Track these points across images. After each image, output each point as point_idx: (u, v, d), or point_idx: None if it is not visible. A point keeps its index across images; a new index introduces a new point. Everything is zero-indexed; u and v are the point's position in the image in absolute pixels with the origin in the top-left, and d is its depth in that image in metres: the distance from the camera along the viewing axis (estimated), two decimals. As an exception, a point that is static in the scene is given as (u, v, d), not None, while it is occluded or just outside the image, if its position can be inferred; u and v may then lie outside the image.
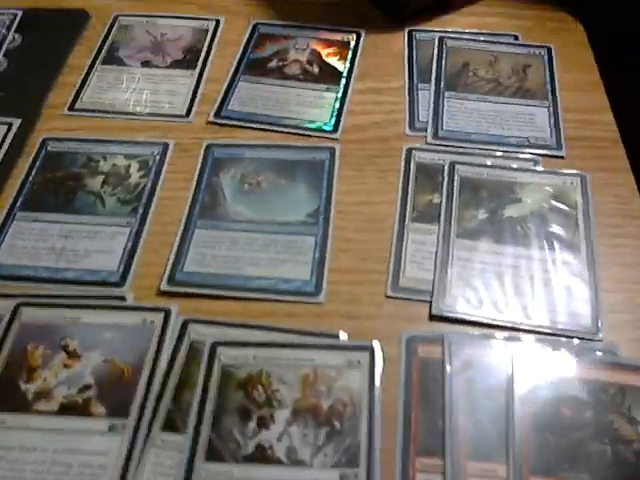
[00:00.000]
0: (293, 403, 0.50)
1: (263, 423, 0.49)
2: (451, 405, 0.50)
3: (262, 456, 0.47)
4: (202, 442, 0.48)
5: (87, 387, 0.51)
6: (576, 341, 0.54)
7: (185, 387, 0.51)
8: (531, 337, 0.54)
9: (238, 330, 0.54)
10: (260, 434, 0.48)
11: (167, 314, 0.54)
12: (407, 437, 0.49)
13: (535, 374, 0.51)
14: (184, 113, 0.71)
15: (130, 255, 0.59)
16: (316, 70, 0.76)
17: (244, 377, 0.51)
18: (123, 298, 0.56)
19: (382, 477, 0.47)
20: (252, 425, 0.49)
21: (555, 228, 0.61)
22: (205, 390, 0.51)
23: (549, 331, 0.54)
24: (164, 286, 0.56)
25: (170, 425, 0.49)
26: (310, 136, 0.69)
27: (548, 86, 0.74)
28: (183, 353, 0.53)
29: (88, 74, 0.76)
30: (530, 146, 0.68)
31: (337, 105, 0.72)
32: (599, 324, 0.54)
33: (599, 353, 0.53)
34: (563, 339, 0.54)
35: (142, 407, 0.50)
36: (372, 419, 0.49)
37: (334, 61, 0.77)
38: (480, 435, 0.48)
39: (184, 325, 0.54)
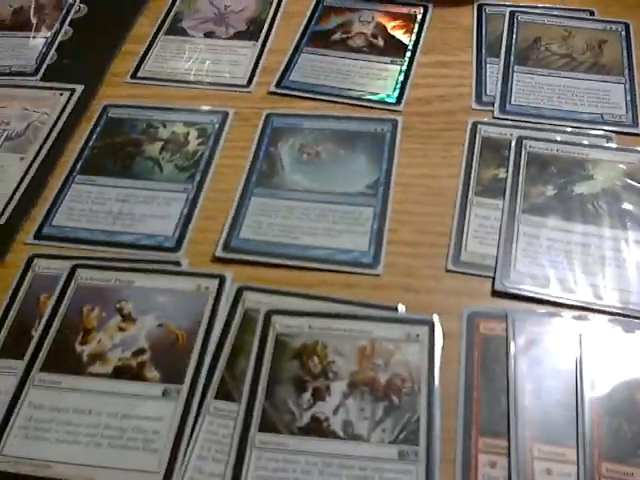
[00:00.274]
0: (350, 375, 0.48)
1: (319, 395, 0.47)
2: (515, 385, 0.47)
3: (318, 428, 0.46)
4: (256, 412, 0.47)
5: (141, 351, 0.50)
6: (651, 323, 0.50)
7: (239, 355, 0.50)
8: (602, 317, 0.51)
9: (293, 299, 0.53)
10: (315, 406, 0.47)
11: (222, 280, 0.53)
12: (469, 416, 0.46)
13: (606, 356, 0.48)
14: (245, 83, 0.70)
15: (186, 221, 0.58)
16: (381, 43, 0.74)
17: (299, 347, 0.50)
18: (178, 263, 0.55)
19: (442, 456, 0.45)
20: (307, 396, 0.47)
21: (629, 206, 0.58)
22: (259, 359, 0.49)
23: (621, 312, 0.51)
24: (219, 252, 0.55)
25: (224, 393, 0.48)
26: (372, 108, 0.67)
27: (625, 62, 0.70)
28: (237, 321, 0.51)
29: (151, 44, 0.76)
30: (604, 123, 0.65)
31: (401, 77, 0.70)
32: (676, 304, 0.51)
33: (677, 335, 0.49)
34: (636, 320, 0.50)
35: (196, 374, 0.49)
36: (432, 396, 0.47)
37: (399, 34, 0.75)
38: (547, 417, 0.46)
39: (239, 292, 0.53)
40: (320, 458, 0.44)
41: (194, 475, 0.44)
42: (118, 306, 0.52)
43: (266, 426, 0.46)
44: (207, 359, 0.49)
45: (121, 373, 0.49)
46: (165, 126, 0.66)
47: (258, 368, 0.49)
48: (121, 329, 0.51)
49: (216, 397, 0.48)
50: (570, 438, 0.45)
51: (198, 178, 0.61)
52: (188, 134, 0.65)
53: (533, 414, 0.46)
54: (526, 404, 0.46)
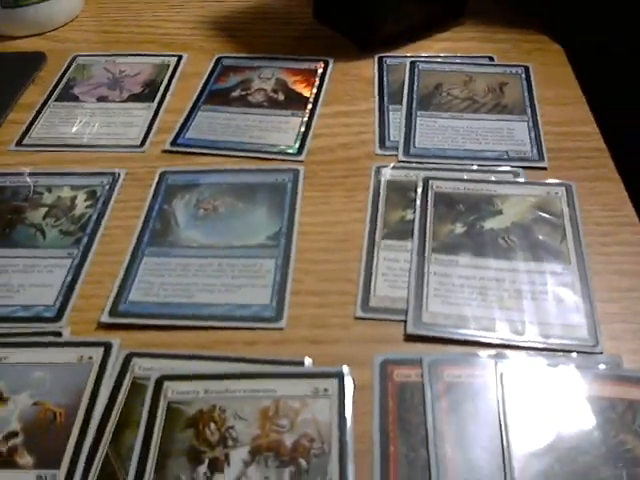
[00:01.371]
0: (251, 441, 0.43)
1: (216, 466, 0.42)
2: (435, 434, 0.43)
3: (215, 504, 0.40)
4: (144, 493, 0.40)
5: (13, 434, 0.44)
6: (574, 355, 0.47)
7: (126, 430, 0.44)
8: (523, 354, 0.47)
9: (188, 362, 0.47)
10: (213, 479, 0.41)
11: (107, 348, 0.48)
12: (386, 473, 0.41)
13: (530, 393, 0.44)
14: (138, 143, 0.67)
15: (69, 288, 0.52)
16: (281, 97, 0.72)
17: (194, 414, 0.44)
18: (59, 334, 0.49)
19: (356, 522, 0.39)
20: (203, 469, 0.42)
21: (541, 239, 0.55)
22: (148, 431, 0.43)
23: (543, 346, 0.48)
24: (105, 318, 0.50)
25: (107, 475, 0.42)
26: (273, 159, 0.64)
27: (527, 102, 0.70)
28: (125, 391, 0.46)
29: (40, 111, 0.72)
30: (509, 159, 0.63)
31: (302, 129, 0.67)
32: (598, 335, 0.48)
33: (602, 366, 0.46)
34: (559, 354, 0.47)
35: (75, 455, 0.43)
36: (344, 454, 0.42)
37: (300, 88, 0.73)
38: (472, 465, 0.41)
39: (127, 359, 0.47)
40: (217, 539, 0.38)
41: None
42: (-13, 386, 0.46)
43: (156, 508, 0.40)
44: (89, 438, 0.43)
45: (-11, 461, 0.42)
46: (50, 191, 0.61)
47: (147, 442, 0.43)
48: (-10, 411, 0.45)
49: None
50: (499, 487, 0.40)
51: (85, 241, 0.56)
52: (75, 198, 0.61)
53: (456, 464, 0.41)
54: (448, 454, 0.42)
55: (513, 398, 0.44)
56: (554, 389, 0.45)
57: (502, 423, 0.43)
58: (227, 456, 0.42)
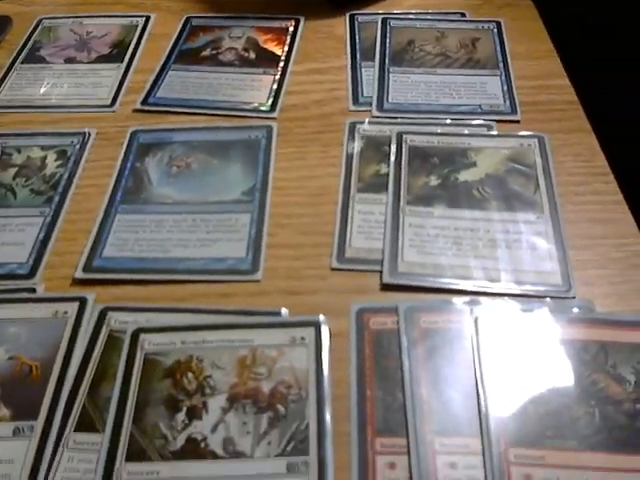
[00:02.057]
0: (229, 389, 0.43)
1: (194, 413, 0.42)
2: (411, 378, 0.43)
3: (194, 450, 0.40)
4: (123, 440, 0.41)
5: (-12, 388, 0.43)
6: (548, 300, 0.47)
7: (103, 382, 0.44)
8: (497, 300, 0.47)
9: (164, 315, 0.47)
10: (191, 426, 0.41)
11: (82, 303, 0.48)
12: (363, 417, 0.42)
13: (505, 337, 0.45)
14: (108, 103, 0.66)
15: (42, 245, 0.52)
16: (253, 56, 0.71)
17: (171, 364, 0.44)
18: (33, 290, 0.49)
19: (337, 463, 0.39)
20: (181, 416, 0.42)
21: (514, 189, 0.55)
22: (126, 382, 0.43)
23: (517, 292, 0.48)
24: (79, 274, 0.50)
25: (85, 425, 0.42)
26: (245, 117, 0.64)
27: (499, 56, 0.69)
28: (101, 344, 0.46)
29: (7, 74, 0.70)
30: (483, 113, 0.63)
31: (275, 86, 0.67)
32: (570, 281, 0.48)
33: (575, 310, 0.46)
34: (533, 300, 0.47)
35: (52, 406, 0.43)
36: (321, 400, 0.42)
37: (272, 47, 0.73)
38: (447, 408, 0.42)
39: (102, 314, 0.47)
40: (198, 483, 0.38)
41: (51, 520, 0.38)
42: (-39, 343, 0.45)
43: (135, 455, 0.40)
44: (65, 390, 0.43)
45: (-36, 415, 0.42)
46: (20, 152, 0.61)
47: (125, 392, 0.43)
48: (-35, 367, 0.44)
49: (76, 430, 0.41)
50: (473, 428, 0.41)
51: (57, 200, 0.56)
52: (45, 157, 0.60)
53: (432, 407, 0.42)
54: (423, 397, 0.42)
55: (488, 342, 0.45)
56: (528, 333, 0.45)
57: (477, 366, 0.44)
58: (205, 404, 0.42)
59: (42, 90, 0.68)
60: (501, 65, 0.68)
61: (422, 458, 0.39)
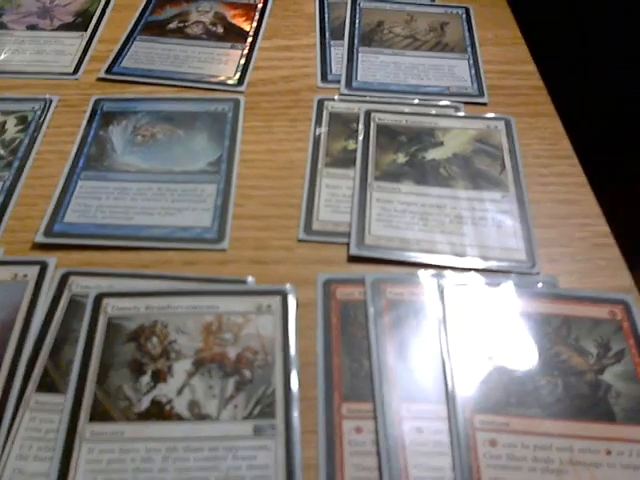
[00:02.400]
0: (195, 353, 0.42)
1: (159, 376, 0.41)
2: (378, 346, 0.43)
3: (159, 412, 0.39)
4: (86, 401, 0.40)
5: (-57, 350, 0.42)
6: (513, 276, 0.48)
7: (65, 344, 0.43)
8: (463, 275, 0.48)
9: (128, 281, 0.46)
10: (156, 389, 0.41)
11: (43, 267, 0.46)
12: (330, 383, 0.41)
13: (470, 310, 0.45)
14: (71, 71, 0.64)
15: (1, 210, 0.51)
16: (220, 30, 0.71)
17: (135, 329, 0.43)
18: (-9, 253, 0.47)
19: (304, 427, 0.39)
20: (146, 379, 0.41)
21: (481, 169, 0.56)
22: (89, 345, 0.42)
23: (482, 267, 0.48)
24: (39, 238, 0.48)
25: (47, 386, 0.41)
26: (212, 89, 0.63)
27: (467, 41, 0.70)
28: (63, 308, 0.44)
29: (-35, 40, 0.68)
30: (450, 94, 0.64)
31: (243, 61, 0.66)
32: (535, 258, 0.49)
33: (539, 285, 0.47)
34: (498, 275, 0.48)
35: (12, 368, 0.41)
36: (288, 366, 0.42)
37: (240, 22, 0.72)
38: (413, 375, 0.42)
39: (64, 278, 0.46)
40: (163, 443, 0.38)
41: (14, 477, 0.37)
42: None
43: (98, 415, 0.39)
44: (26, 352, 0.42)
45: None
46: (-22, 116, 0.58)
47: (87, 354, 0.42)
48: None
49: (38, 390, 0.40)
50: (439, 395, 0.41)
51: (16, 165, 0.54)
52: (5, 122, 0.58)
53: (398, 374, 0.42)
54: (390, 364, 0.42)
55: (453, 313, 0.45)
56: (493, 306, 0.46)
57: (443, 336, 0.44)
58: (170, 368, 0.42)
59: (2, 56, 0.66)
60: (469, 49, 0.69)
61: (388, 423, 0.39)
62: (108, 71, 0.64)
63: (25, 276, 0.46)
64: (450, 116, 0.61)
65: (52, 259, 0.47)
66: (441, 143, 0.58)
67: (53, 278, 0.46)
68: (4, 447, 0.38)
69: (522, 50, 0.68)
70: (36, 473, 0.37)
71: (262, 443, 0.38)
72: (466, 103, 0.63)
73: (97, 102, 0.61)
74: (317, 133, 0.58)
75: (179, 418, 0.39)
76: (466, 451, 0.38)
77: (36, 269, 0.46)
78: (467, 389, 0.41)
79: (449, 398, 0.40)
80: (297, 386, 0.41)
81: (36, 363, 0.41)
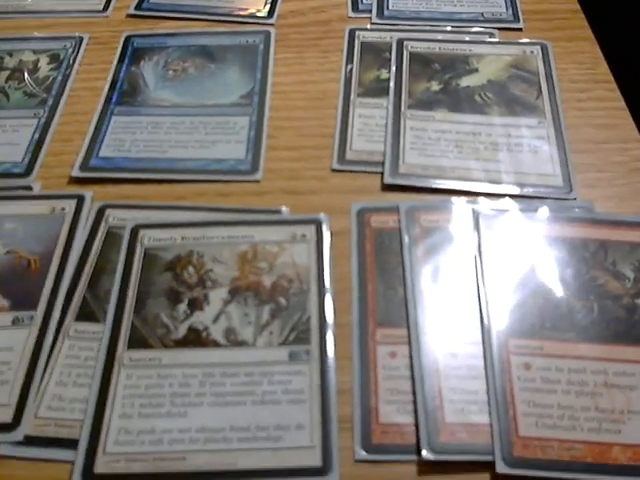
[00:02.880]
0: (230, 282, 0.43)
1: (196, 305, 0.42)
2: (412, 272, 0.43)
3: (196, 339, 0.40)
4: (124, 329, 0.41)
5: (-14, 260, 0.43)
6: (549, 202, 0.47)
7: (103, 275, 0.44)
8: (498, 201, 0.47)
9: (163, 213, 0.47)
10: (193, 316, 0.41)
11: (80, 200, 0.47)
12: (364, 309, 0.42)
13: (505, 236, 0.45)
14: (101, 8, 0.64)
15: (38, 145, 0.51)
16: (248, -36, 0.69)
17: (171, 259, 0.44)
18: (29, 188, 0.48)
19: (339, 353, 0.40)
20: (183, 307, 0.42)
21: (516, 95, 0.55)
22: (126, 275, 0.43)
23: (518, 193, 0.48)
24: (76, 172, 0.49)
25: (86, 315, 0.42)
26: (242, 23, 0.62)
27: (500, -34, 0.67)
28: (100, 240, 0.45)
29: (-5, -20, 0.68)
30: (485, 20, 0.62)
31: (272, -8, 0.65)
32: (572, 183, 0.48)
33: (576, 211, 0.46)
34: (534, 201, 0.47)
35: (52, 298, 0.42)
36: (322, 292, 0.42)
37: (268, -46, 0.70)
38: (447, 301, 0.42)
39: (100, 211, 0.47)
40: (199, 369, 0.39)
41: (53, 403, 0.38)
42: (-43, 237, 0.45)
43: (136, 343, 0.40)
44: (65, 282, 0.43)
45: (-37, 306, 0.42)
46: (12, 55, 0.59)
47: (125, 284, 0.43)
48: (-38, 260, 0.44)
49: (77, 319, 0.41)
50: (473, 319, 0.41)
51: (50, 102, 0.55)
52: (38, 61, 0.58)
53: (432, 299, 0.42)
54: (424, 290, 0.42)
55: (488, 240, 0.45)
56: (528, 231, 0.45)
57: (477, 262, 0.43)
58: (206, 296, 0.42)
59: (31, -4, 0.66)
60: (503, -27, 0.66)
61: (423, 348, 0.40)
62: (137, 7, 0.64)
63: (63, 209, 0.46)
64: (484, 42, 0.60)
65: (88, 193, 0.48)
66: (476, 70, 0.57)
67: (90, 211, 0.47)
68: (44, 374, 0.39)
69: (558, -28, 0.66)
70: (75, 399, 0.38)
71: (297, 368, 0.39)
72: (500, 29, 0.61)
73: (128, 38, 0.60)
74: (349, 63, 0.57)
75: (215, 345, 0.40)
76: (500, 374, 0.38)
77: (73, 203, 0.47)
78: (501, 314, 0.41)
79: (483, 323, 0.41)
80: (332, 313, 0.41)
81: (75, 293, 0.42)
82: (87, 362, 0.40)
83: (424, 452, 0.36)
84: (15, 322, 0.41)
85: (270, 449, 0.36)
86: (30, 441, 0.37)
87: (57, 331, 0.41)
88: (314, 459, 0.36)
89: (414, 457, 0.36)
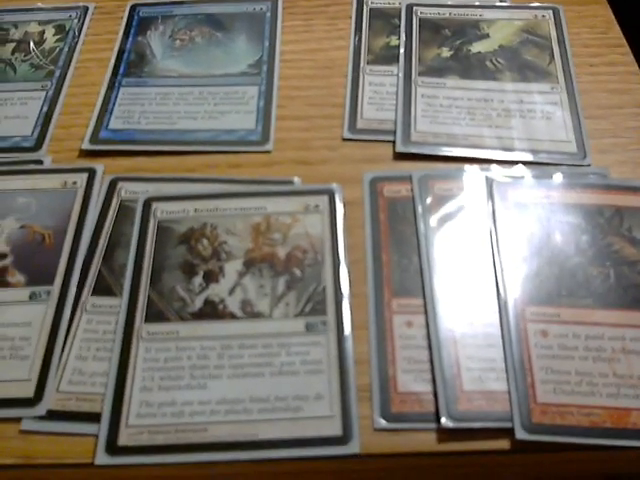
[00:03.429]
0: (245, 254, 0.43)
1: (211, 277, 0.42)
2: (427, 242, 0.43)
3: (212, 311, 0.40)
4: (141, 303, 0.41)
5: (2, 256, 0.43)
6: (563, 168, 0.47)
7: (117, 248, 0.43)
8: (512, 169, 0.47)
9: (175, 185, 0.47)
10: (208, 289, 0.41)
11: (91, 174, 0.47)
12: (379, 279, 0.42)
13: (519, 203, 0.45)
14: (105, -22, 0.62)
15: (46, 118, 0.51)
16: None
17: (185, 231, 0.44)
18: (40, 162, 0.48)
19: (355, 323, 0.40)
20: (198, 280, 0.42)
21: (528, 60, 0.54)
22: (140, 248, 0.43)
23: (532, 160, 0.47)
24: (86, 145, 0.49)
25: (102, 289, 0.42)
26: (248, -9, 0.61)
27: None
28: (113, 213, 0.45)
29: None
30: (495, -16, 0.60)
31: (277, -40, 0.63)
32: (586, 149, 0.48)
33: (591, 177, 0.46)
34: (549, 167, 0.47)
35: (68, 273, 0.42)
36: (337, 263, 0.42)
37: None
38: (462, 269, 0.42)
39: (112, 184, 0.46)
40: (217, 341, 0.39)
41: (73, 377, 0.38)
42: (-30, 213, 0.45)
43: (153, 316, 0.40)
44: (80, 256, 0.43)
45: (-22, 282, 0.42)
46: (17, 27, 0.58)
47: (140, 257, 0.42)
48: (-25, 236, 0.44)
49: (93, 294, 0.41)
50: (489, 287, 0.41)
51: (57, 74, 0.54)
52: (44, 32, 0.58)
53: (447, 268, 0.42)
54: (439, 259, 0.42)
55: (502, 207, 0.45)
56: (543, 198, 0.45)
57: (492, 229, 0.43)
58: (221, 268, 0.42)
59: (34, -35, 0.65)
60: (513, -63, 0.65)
61: (439, 316, 0.40)
62: (141, -24, 0.63)
63: (74, 183, 0.46)
64: (495, 7, 0.59)
65: (99, 166, 0.47)
66: (487, 35, 0.56)
67: (102, 184, 0.46)
68: (63, 348, 0.39)
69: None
70: (95, 372, 0.39)
71: (314, 339, 0.39)
72: (511, -7, 0.60)
73: (133, 8, 0.60)
74: (357, 30, 0.57)
75: (232, 317, 0.40)
76: (517, 342, 0.39)
77: (84, 176, 0.47)
78: (517, 282, 0.41)
79: (499, 291, 0.41)
80: (347, 283, 0.41)
81: (90, 267, 0.42)
82: (105, 336, 0.40)
83: (443, 419, 0.36)
84: (32, 297, 0.41)
85: (290, 419, 0.36)
86: (52, 415, 0.37)
87: (74, 306, 0.41)
88: (334, 428, 0.36)
89: (433, 425, 0.36)
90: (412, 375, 0.38)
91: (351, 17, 0.58)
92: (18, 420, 0.37)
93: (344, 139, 0.49)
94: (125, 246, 0.43)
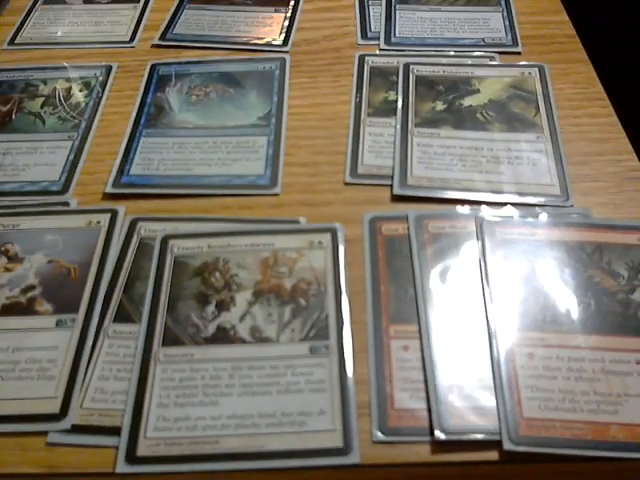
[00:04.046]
0: (254, 285, 0.46)
1: (223, 306, 0.45)
2: (421, 274, 0.47)
3: (224, 336, 0.44)
4: (158, 328, 0.44)
5: (31, 287, 0.47)
6: (548, 209, 0.51)
7: (137, 281, 0.48)
8: (500, 210, 0.51)
9: (191, 224, 0.51)
10: (220, 316, 0.45)
11: (114, 214, 0.51)
12: (378, 307, 0.45)
13: (507, 240, 0.48)
14: (128, 39, 0.69)
15: (73, 165, 0.56)
16: (264, -4, 0.74)
17: (199, 265, 0.48)
18: (66, 204, 0.52)
19: (355, 347, 0.43)
20: (211, 309, 0.45)
21: (516, 112, 0.59)
22: (158, 280, 0.47)
23: (519, 202, 0.51)
24: (109, 189, 0.53)
25: (123, 317, 0.46)
26: (259, 51, 0.67)
27: (501, -6, 0.72)
28: (133, 249, 0.49)
29: (29, 13, 0.73)
30: (485, 45, 0.66)
31: (286, 23, 0.70)
32: (569, 192, 0.52)
33: (574, 216, 0.50)
34: (535, 208, 0.51)
35: (91, 302, 0.46)
36: (339, 293, 0.46)
37: (282, -13, 0.75)
38: (454, 298, 0.45)
39: (133, 224, 0.51)
40: (229, 363, 0.43)
41: (96, 395, 0.42)
42: (3, 249, 0.49)
43: (169, 340, 0.44)
44: (103, 288, 0.47)
45: (9, 310, 0.46)
46: (46, 83, 0.64)
47: (157, 288, 0.47)
48: (7, 269, 0.48)
49: (115, 321, 0.45)
50: (479, 315, 0.44)
51: (83, 126, 0.59)
52: (71, 88, 0.63)
53: (440, 299, 0.45)
54: (433, 291, 0.46)
55: (492, 244, 0.48)
56: (529, 235, 0.49)
57: (481, 264, 0.47)
58: (232, 298, 0.46)
59: (62, 29, 0.71)
60: (503, 2, 0.71)
61: (433, 341, 0.43)
62: (162, 38, 0.69)
63: (98, 222, 0.51)
64: (485, 65, 0.64)
65: (121, 207, 0.52)
66: (477, 90, 0.61)
67: (123, 224, 0.51)
68: (87, 370, 0.43)
69: (554, 1, 0.70)
70: (116, 391, 0.42)
71: (317, 361, 0.42)
72: (501, 53, 0.65)
73: (153, 67, 0.65)
74: (359, 86, 0.62)
75: (242, 341, 0.44)
76: (505, 363, 0.42)
77: (107, 216, 0.51)
78: (505, 309, 0.44)
79: (488, 317, 0.44)
80: (348, 311, 0.45)
81: (112, 297, 0.46)
82: (126, 359, 0.43)
83: (436, 432, 0.39)
84: (59, 324, 0.45)
85: (295, 433, 0.39)
86: (76, 429, 0.40)
87: (97, 332, 0.45)
88: (336, 441, 0.39)
89: (427, 438, 0.39)
90: (408, 393, 0.41)
91: (353, 75, 0.64)
92: (45, 434, 0.40)
93: (346, 183, 0.54)
94: (144, 279, 0.47)
